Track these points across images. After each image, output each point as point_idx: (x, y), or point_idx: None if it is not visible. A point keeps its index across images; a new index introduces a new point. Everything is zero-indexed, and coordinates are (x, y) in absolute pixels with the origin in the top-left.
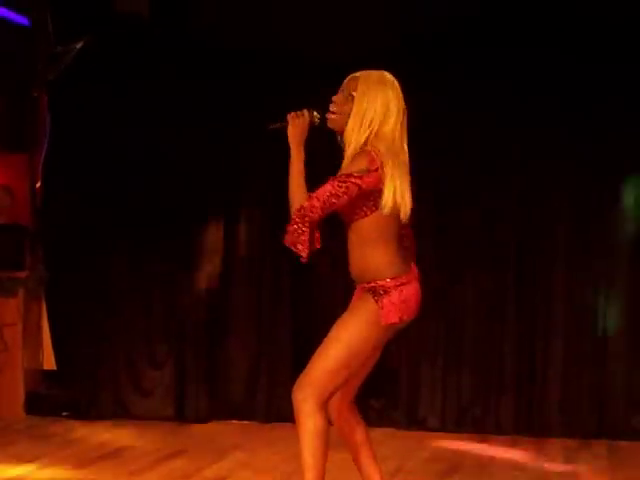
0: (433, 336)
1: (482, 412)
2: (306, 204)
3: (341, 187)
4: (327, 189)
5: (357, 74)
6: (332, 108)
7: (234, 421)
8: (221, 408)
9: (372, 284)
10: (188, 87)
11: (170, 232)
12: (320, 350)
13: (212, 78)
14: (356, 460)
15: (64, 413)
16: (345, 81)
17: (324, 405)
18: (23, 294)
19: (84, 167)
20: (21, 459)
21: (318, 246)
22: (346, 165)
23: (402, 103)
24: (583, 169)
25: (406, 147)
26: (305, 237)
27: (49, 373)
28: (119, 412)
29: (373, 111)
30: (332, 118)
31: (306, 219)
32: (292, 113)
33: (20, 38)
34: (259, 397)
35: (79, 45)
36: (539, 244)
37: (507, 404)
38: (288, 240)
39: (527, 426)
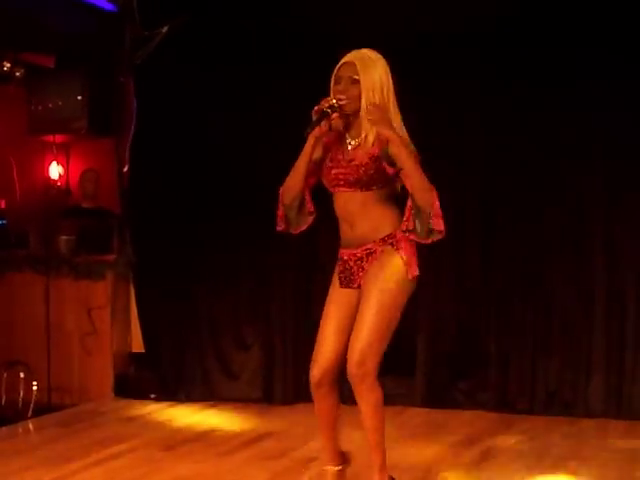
0: (521, 318)
1: (572, 395)
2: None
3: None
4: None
5: (348, 59)
6: (341, 98)
7: None
8: (309, 390)
9: (390, 235)
10: (272, 70)
11: (257, 216)
12: (369, 320)
13: (296, 61)
14: (331, 430)
15: (152, 395)
16: (338, 71)
17: None
18: (111, 277)
19: (170, 151)
20: (110, 441)
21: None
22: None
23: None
24: None
25: None
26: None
27: (137, 355)
28: (207, 394)
29: (379, 79)
30: (344, 104)
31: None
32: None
33: (107, 23)
34: (346, 378)
35: (165, 30)
36: (629, 228)
37: (596, 387)
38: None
39: (617, 409)
